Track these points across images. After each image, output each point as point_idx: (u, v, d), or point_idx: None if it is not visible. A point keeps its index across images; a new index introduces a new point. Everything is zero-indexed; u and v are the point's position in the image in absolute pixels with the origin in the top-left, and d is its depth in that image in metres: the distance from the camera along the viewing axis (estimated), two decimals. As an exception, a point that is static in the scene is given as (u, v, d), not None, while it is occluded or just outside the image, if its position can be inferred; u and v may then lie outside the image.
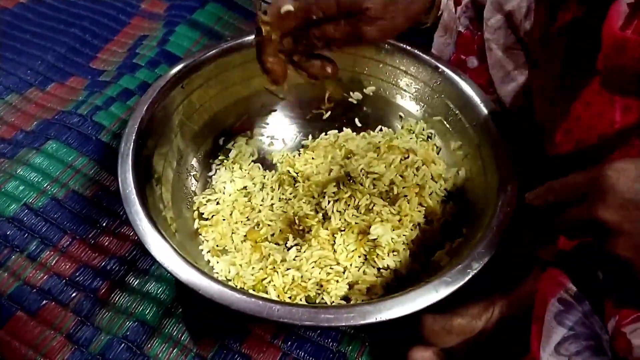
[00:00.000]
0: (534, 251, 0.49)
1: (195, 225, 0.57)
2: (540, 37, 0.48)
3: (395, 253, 0.54)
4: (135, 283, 0.58)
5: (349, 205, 0.57)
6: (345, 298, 0.52)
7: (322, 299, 0.52)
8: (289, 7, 0.39)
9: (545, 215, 0.38)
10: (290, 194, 0.60)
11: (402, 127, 0.65)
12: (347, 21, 0.41)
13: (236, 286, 0.52)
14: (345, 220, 0.56)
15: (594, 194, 0.32)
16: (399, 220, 0.55)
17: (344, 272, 0.53)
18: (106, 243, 0.61)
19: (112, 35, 0.86)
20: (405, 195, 0.56)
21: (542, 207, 0.38)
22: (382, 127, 0.66)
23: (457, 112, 0.59)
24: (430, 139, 0.63)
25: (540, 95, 0.49)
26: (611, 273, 0.35)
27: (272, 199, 0.60)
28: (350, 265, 0.53)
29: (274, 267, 0.53)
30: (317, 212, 0.57)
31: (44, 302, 0.57)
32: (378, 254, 0.53)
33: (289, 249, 0.56)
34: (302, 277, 0.52)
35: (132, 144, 0.51)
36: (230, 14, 0.88)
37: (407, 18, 0.43)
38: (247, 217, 0.59)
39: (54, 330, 0.55)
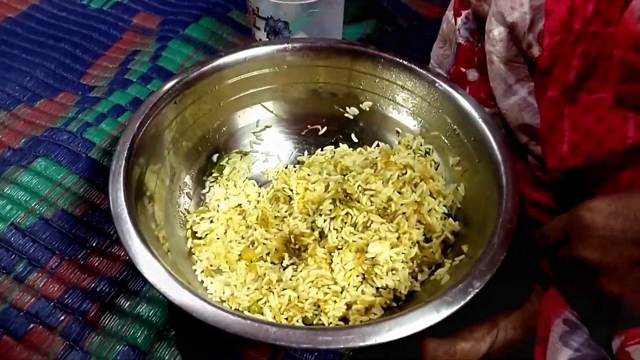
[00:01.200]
0: (536, 265, 0.49)
1: (189, 245, 0.57)
2: (553, 46, 0.48)
3: (394, 272, 0.53)
4: (126, 305, 0.58)
5: (345, 222, 0.56)
6: (344, 319, 0.52)
7: (320, 320, 0.52)
8: None
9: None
10: (286, 211, 0.60)
11: (399, 143, 0.65)
12: None
13: (231, 307, 0.51)
14: (342, 238, 0.55)
15: (573, 234, 0.34)
16: (398, 238, 0.55)
17: (341, 292, 0.53)
18: (96, 264, 0.61)
19: (103, 51, 0.86)
20: (404, 213, 0.56)
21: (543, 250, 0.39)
22: (379, 143, 0.66)
23: (455, 127, 0.59)
24: (428, 154, 0.63)
25: (547, 107, 0.49)
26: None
27: (267, 216, 0.59)
28: (348, 284, 0.53)
29: (270, 288, 0.53)
30: (313, 230, 0.57)
31: (31, 325, 0.56)
32: (376, 273, 0.53)
33: (284, 268, 0.56)
34: (298, 297, 0.52)
35: (124, 161, 0.51)
36: (224, 28, 0.88)
37: None
38: (242, 236, 0.58)
39: (42, 355, 0.54)
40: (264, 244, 0.57)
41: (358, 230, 0.56)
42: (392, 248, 0.54)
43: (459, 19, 0.60)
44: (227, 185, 0.63)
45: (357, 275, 0.54)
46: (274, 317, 0.51)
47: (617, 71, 0.40)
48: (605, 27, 0.43)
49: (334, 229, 0.56)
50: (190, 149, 0.62)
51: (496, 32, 0.54)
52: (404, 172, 0.59)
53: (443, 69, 0.66)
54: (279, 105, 0.67)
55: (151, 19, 0.91)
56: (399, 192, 0.58)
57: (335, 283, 0.53)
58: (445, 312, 0.42)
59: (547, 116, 0.50)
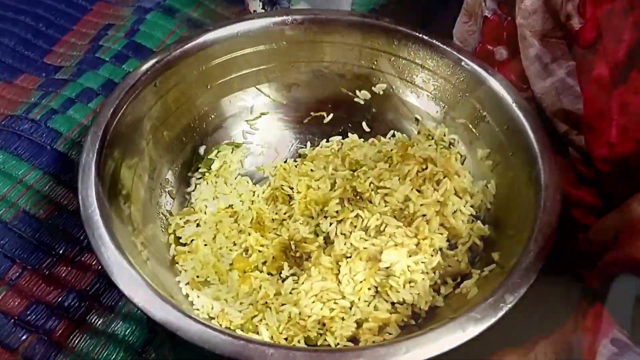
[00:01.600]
0: (580, 278, 0.49)
1: (172, 252, 0.57)
2: (599, 16, 0.48)
3: (412, 284, 0.54)
4: (99, 322, 0.58)
5: (355, 226, 0.57)
6: (353, 339, 0.52)
7: (325, 340, 0.52)
8: None
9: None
10: (285, 213, 0.60)
11: (418, 132, 0.65)
12: None
13: (221, 325, 0.51)
14: (351, 244, 0.55)
15: (626, 232, 0.34)
16: (417, 245, 0.55)
17: (350, 308, 0.53)
18: (63, 274, 0.61)
19: (71, 25, 0.86)
20: (424, 214, 0.56)
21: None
22: (395, 133, 0.66)
23: (484, 114, 0.59)
24: (453, 146, 0.63)
25: (593, 88, 0.49)
26: None
27: (263, 219, 0.60)
28: (359, 299, 0.53)
29: (267, 302, 0.53)
30: (317, 235, 0.57)
31: (-12, 346, 0.56)
32: (391, 286, 0.53)
33: (284, 280, 0.56)
34: (300, 314, 0.52)
35: (95, 154, 0.51)
36: (211, -2, 0.89)
37: None
38: (234, 242, 0.59)
39: (0, 381, 0.55)
40: (259, 251, 0.58)
41: (370, 236, 0.56)
42: (410, 256, 0.54)
43: None
44: (216, 182, 0.63)
45: (369, 288, 0.54)
46: (272, 336, 0.51)
47: None
48: None
49: (341, 233, 0.56)
50: (172, 140, 0.62)
51: (528, 2, 0.54)
52: (424, 166, 0.59)
53: (468, 48, 0.66)
54: (277, 88, 0.68)
55: (127, -13, 0.92)
56: (418, 191, 0.58)
57: (343, 297, 0.53)
58: (472, 331, 0.42)
59: (593, 98, 0.50)
